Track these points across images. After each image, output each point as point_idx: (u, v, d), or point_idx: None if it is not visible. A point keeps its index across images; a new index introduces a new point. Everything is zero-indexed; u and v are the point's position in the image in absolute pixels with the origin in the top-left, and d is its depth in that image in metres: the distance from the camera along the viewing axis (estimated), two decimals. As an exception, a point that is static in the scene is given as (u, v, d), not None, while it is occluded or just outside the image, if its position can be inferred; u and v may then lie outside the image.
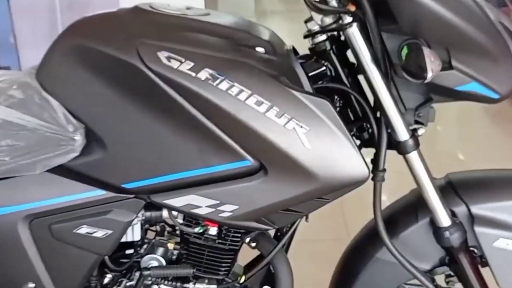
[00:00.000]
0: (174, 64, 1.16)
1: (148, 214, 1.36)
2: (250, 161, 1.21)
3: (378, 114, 1.27)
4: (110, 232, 1.33)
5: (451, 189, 1.29)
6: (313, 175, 1.17)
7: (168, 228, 1.43)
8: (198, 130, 1.20)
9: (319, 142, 1.16)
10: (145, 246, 1.41)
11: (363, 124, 1.33)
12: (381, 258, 1.41)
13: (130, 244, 1.37)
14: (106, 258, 1.39)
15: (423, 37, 1.13)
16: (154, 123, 1.22)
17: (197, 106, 1.17)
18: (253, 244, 1.43)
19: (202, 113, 1.18)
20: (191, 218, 1.37)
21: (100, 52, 1.19)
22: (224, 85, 1.15)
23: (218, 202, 1.24)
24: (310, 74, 1.30)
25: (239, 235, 1.31)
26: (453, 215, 1.26)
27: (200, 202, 1.25)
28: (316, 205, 1.27)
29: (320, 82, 1.32)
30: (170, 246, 1.45)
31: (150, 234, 1.42)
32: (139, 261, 1.39)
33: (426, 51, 1.09)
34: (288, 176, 1.20)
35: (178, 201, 1.26)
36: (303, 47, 1.36)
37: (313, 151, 1.17)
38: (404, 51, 1.10)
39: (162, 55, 1.16)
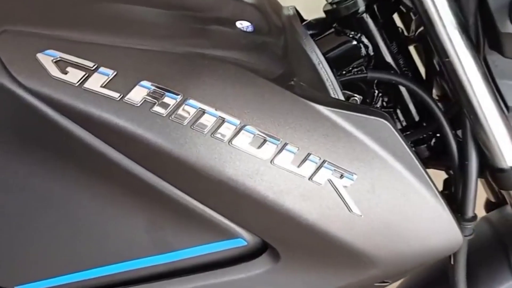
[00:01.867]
0: (74, 76, 0.54)
1: None
2: (245, 240, 0.63)
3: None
4: None
5: None
6: (368, 257, 0.61)
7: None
8: (142, 194, 0.61)
9: (379, 199, 0.58)
10: None
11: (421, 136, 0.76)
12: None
13: None
14: None
15: None
16: (54, 184, 0.63)
17: (137, 156, 0.57)
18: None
19: (144, 167, 0.58)
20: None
21: None
22: (183, 113, 0.55)
23: None
24: (330, 55, 0.70)
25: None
26: None
27: None
28: (367, 293, 0.71)
29: (348, 70, 0.72)
30: None
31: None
32: None
33: None
34: (321, 262, 0.63)
35: None
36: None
37: (368, 217, 0.59)
38: None
39: (47, 58, 0.54)
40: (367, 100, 0.77)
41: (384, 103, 0.78)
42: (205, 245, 0.67)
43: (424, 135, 0.77)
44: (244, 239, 0.65)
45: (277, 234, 0.62)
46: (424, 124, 0.77)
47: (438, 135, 0.78)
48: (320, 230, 0.60)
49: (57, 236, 0.68)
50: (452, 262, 0.78)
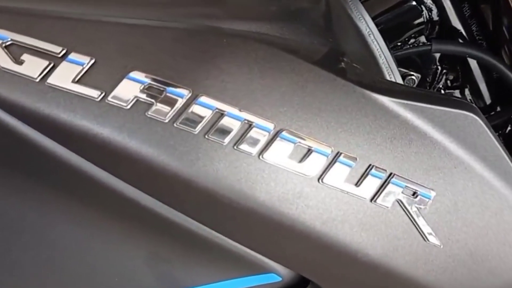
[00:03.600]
0: (33, 67, 0.36)
1: None
2: (280, 275, 0.47)
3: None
4: None
5: None
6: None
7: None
8: (140, 224, 0.45)
9: (463, 221, 0.41)
10: None
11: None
12: None
13: None
14: None
15: None
16: (34, 214, 0.46)
17: (133, 178, 0.40)
18: None
19: (148, 193, 0.41)
20: None
21: None
22: (193, 116, 0.37)
23: None
24: (382, 22, 0.53)
25: None
26: None
27: None
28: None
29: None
30: None
31: None
32: None
33: None
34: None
35: None
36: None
37: (449, 247, 0.42)
38: None
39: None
40: (427, 79, 0.59)
41: (449, 82, 0.61)
42: (229, 280, 0.50)
43: (498, 122, 0.60)
44: (279, 274, 0.49)
45: (325, 272, 0.46)
46: (499, 109, 0.60)
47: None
48: (385, 267, 0.44)
49: (45, 274, 0.52)
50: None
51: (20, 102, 0.39)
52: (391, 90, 0.43)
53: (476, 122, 0.44)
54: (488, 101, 0.61)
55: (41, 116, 0.39)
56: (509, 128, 0.63)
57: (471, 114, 0.44)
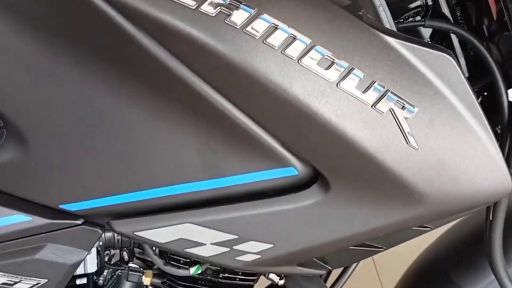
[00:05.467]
0: None
1: (109, 235, 0.85)
2: (297, 169, 0.63)
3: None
4: (43, 282, 0.76)
5: None
6: (419, 192, 0.62)
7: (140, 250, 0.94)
8: (201, 114, 0.62)
9: (436, 135, 0.59)
10: (105, 277, 0.97)
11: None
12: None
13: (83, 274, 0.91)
14: None
15: None
16: (112, 99, 0.63)
17: (202, 71, 0.57)
18: (281, 282, 0.87)
19: (209, 84, 0.58)
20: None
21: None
22: (257, 26, 0.55)
23: (235, 237, 0.68)
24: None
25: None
26: None
27: (201, 237, 0.71)
28: (408, 237, 0.72)
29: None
30: (146, 280, 0.92)
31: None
32: (98, 302, 0.92)
33: None
34: (371, 195, 0.63)
35: (160, 234, 0.69)
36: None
37: (424, 151, 0.60)
38: None
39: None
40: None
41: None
42: (256, 172, 0.67)
43: (475, 90, 0.77)
44: (296, 168, 0.66)
45: (332, 161, 0.63)
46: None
47: (486, 93, 0.79)
48: (376, 159, 0.61)
49: (108, 155, 0.68)
50: (491, 218, 0.78)
51: (135, 6, 0.56)
52: (393, 34, 0.61)
53: (451, 62, 0.61)
54: (466, 74, 0.79)
55: (150, 18, 0.56)
56: (480, 97, 0.80)
57: (448, 56, 0.61)
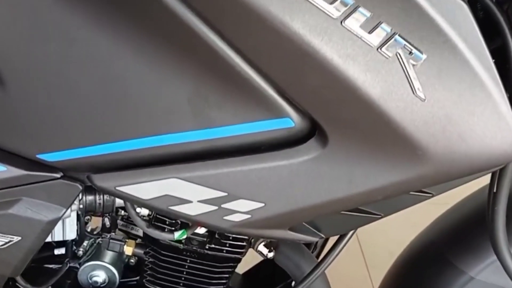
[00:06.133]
0: None
1: (90, 198, 0.78)
2: (293, 120, 0.59)
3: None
4: (16, 239, 0.70)
5: None
6: (424, 150, 0.57)
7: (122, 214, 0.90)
8: (193, 54, 0.57)
9: (444, 86, 0.54)
10: (84, 247, 0.92)
11: None
12: (479, 278, 0.83)
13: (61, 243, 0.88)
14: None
15: None
16: (97, 37, 0.58)
17: (195, 3, 0.53)
18: (270, 254, 0.83)
19: (202, 18, 0.54)
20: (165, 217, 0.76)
21: None
22: None
23: (224, 194, 0.63)
24: None
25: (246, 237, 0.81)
26: None
27: (187, 193, 0.66)
28: (408, 203, 0.67)
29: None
30: (128, 250, 0.86)
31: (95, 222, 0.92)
32: (76, 272, 0.90)
33: None
34: (371, 150, 0.59)
35: (144, 189, 0.64)
36: None
37: (430, 103, 0.55)
38: None
39: None
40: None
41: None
42: (249, 123, 0.63)
43: None
44: (292, 119, 0.61)
45: (331, 109, 0.58)
46: None
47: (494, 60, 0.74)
48: (379, 108, 0.56)
49: (90, 100, 0.64)
50: (495, 190, 0.74)
51: None
52: None
53: (463, 9, 0.57)
54: None
55: None
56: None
57: (461, 2, 0.57)
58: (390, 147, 0.60)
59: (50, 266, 0.93)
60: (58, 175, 0.70)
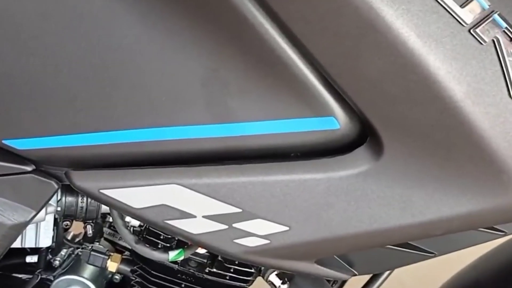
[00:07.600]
0: None
1: (70, 200, 0.65)
2: (338, 121, 0.44)
3: None
4: (-28, 245, 0.58)
5: None
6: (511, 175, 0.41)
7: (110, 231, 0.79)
8: (213, 24, 0.43)
9: None
10: (61, 257, 0.80)
11: None
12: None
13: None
14: None
15: None
16: None
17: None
18: (284, 287, 0.70)
19: None
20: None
21: None
22: None
23: (237, 211, 0.50)
24: None
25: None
26: None
27: (190, 205, 0.53)
28: (473, 241, 0.53)
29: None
30: (112, 265, 0.78)
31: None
32: (48, 285, 0.79)
33: None
34: (439, 169, 0.44)
35: (136, 195, 0.52)
36: None
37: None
38: None
39: None
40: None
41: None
42: (279, 120, 0.48)
43: None
44: (338, 119, 0.47)
45: (394, 109, 0.43)
46: None
47: None
48: (462, 111, 0.42)
49: (73, 74, 0.50)
50: None
51: None
52: None
53: None
54: None
55: None
56: None
57: None
58: (466, 166, 0.45)
59: (20, 275, 0.82)
60: (29, 168, 0.58)
